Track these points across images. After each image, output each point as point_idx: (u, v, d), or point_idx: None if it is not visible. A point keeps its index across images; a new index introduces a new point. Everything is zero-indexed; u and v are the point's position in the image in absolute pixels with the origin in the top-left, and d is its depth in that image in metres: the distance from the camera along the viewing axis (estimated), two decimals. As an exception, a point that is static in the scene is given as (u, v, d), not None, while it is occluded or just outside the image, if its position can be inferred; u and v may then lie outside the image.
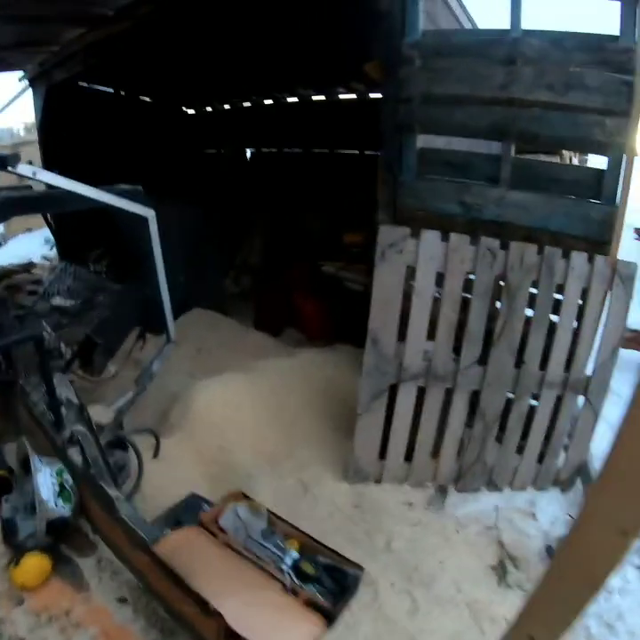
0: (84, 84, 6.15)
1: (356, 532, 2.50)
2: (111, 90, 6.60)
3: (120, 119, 6.38)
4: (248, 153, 7.53)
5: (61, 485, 1.75)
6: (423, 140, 3.03)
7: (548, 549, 2.44)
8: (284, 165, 6.93)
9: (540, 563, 2.38)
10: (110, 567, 1.79)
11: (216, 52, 4.99)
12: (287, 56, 4.71)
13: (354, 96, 5.79)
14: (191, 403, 2.99)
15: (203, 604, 1.31)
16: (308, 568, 1.88)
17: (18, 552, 1.64)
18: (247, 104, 7.08)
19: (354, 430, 3.11)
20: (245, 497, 2.04)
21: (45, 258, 7.01)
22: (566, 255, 2.58)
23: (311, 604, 1.76)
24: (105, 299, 2.85)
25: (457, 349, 2.59)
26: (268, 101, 6.76)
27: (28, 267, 6.46)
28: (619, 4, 2.51)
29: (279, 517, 2.00)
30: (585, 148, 2.82)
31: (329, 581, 1.93)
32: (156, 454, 2.72)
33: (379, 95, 5.35)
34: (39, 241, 7.75)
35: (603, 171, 2.71)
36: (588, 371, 2.75)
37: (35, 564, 1.60)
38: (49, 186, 1.87)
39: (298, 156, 6.87)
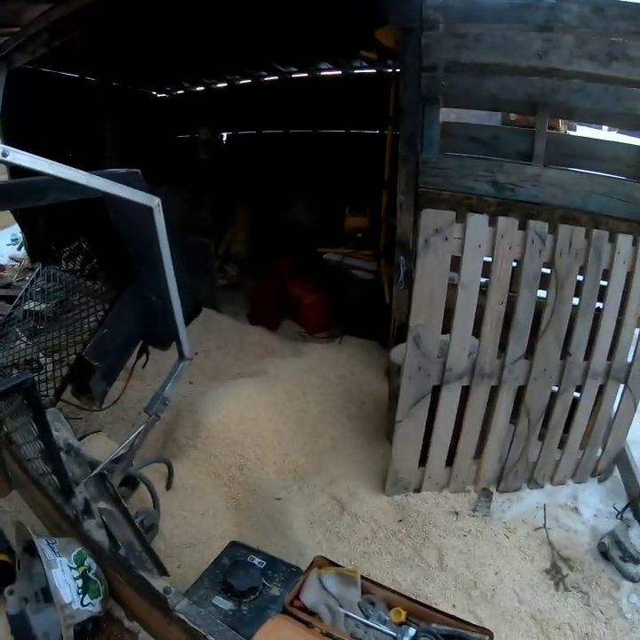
0: (47, 70, 5.55)
1: (405, 551, 2.30)
2: (76, 75, 6.04)
3: (87, 106, 5.89)
4: (224, 136, 7.10)
5: (84, 576, 1.40)
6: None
7: (600, 546, 2.33)
8: (264, 148, 6.55)
9: (594, 562, 2.28)
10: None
11: (187, 28, 4.55)
12: (265, 25, 4.30)
13: (338, 72, 5.46)
14: (202, 418, 2.66)
15: None
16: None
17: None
18: (222, 85, 6.66)
19: (385, 436, 2.91)
20: (331, 563, 1.65)
21: (13, 259, 6.39)
22: (612, 238, 2.40)
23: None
24: (99, 308, 2.44)
25: (502, 343, 2.39)
26: (245, 81, 6.35)
27: (-5, 269, 5.84)
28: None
29: (370, 580, 1.59)
30: (628, 123, 2.63)
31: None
32: (168, 486, 2.40)
33: (368, 70, 5.13)
34: (4, 240, 7.06)
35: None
36: (629, 358, 2.62)
37: None
38: (22, 172, 1.38)
39: (279, 138, 6.50)
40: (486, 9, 2.62)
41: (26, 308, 3.08)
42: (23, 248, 6.33)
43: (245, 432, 2.66)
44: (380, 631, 1.39)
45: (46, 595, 1.44)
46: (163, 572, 1.69)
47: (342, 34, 4.05)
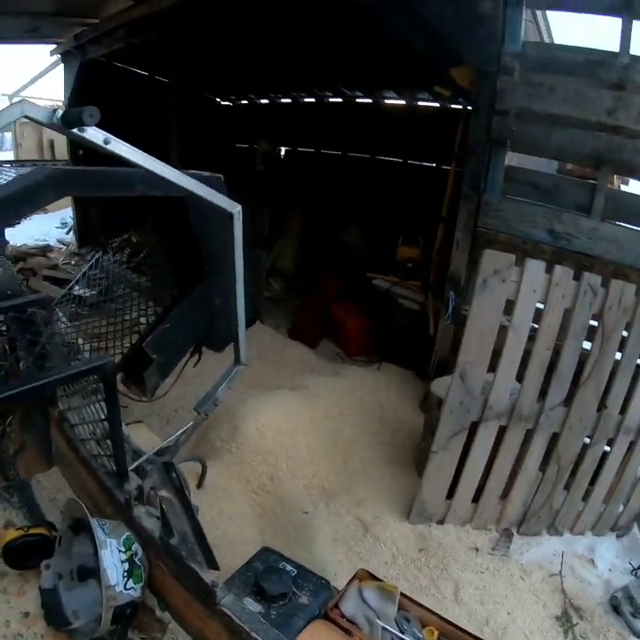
0: (120, 64, 5.71)
1: (422, 580, 2.34)
2: (147, 73, 6.21)
3: (154, 105, 6.08)
4: (282, 151, 7.22)
5: (130, 561, 1.42)
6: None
7: (613, 600, 2.34)
8: (322, 167, 6.64)
9: (604, 614, 2.29)
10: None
11: (265, 42, 4.69)
12: (343, 52, 4.42)
13: (402, 102, 5.57)
14: (240, 423, 2.72)
15: None
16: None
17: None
18: (286, 100, 6.80)
19: (414, 465, 2.95)
20: (372, 577, 1.69)
21: (61, 242, 6.58)
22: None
23: None
24: (147, 302, 2.50)
25: (543, 389, 2.42)
26: (309, 99, 6.49)
27: (45, 250, 6.02)
28: None
29: (408, 597, 1.64)
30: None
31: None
32: (200, 484, 2.45)
33: (432, 103, 5.21)
34: (54, 222, 7.26)
35: None
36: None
37: None
38: (114, 160, 1.40)
39: (338, 159, 6.60)
40: (562, 61, 2.69)
41: (75, 292, 3.16)
42: (72, 233, 6.49)
43: (281, 443, 2.71)
44: (415, 646, 1.43)
45: (81, 574, 1.47)
46: (213, 566, 1.73)
47: (417, 67, 4.13)
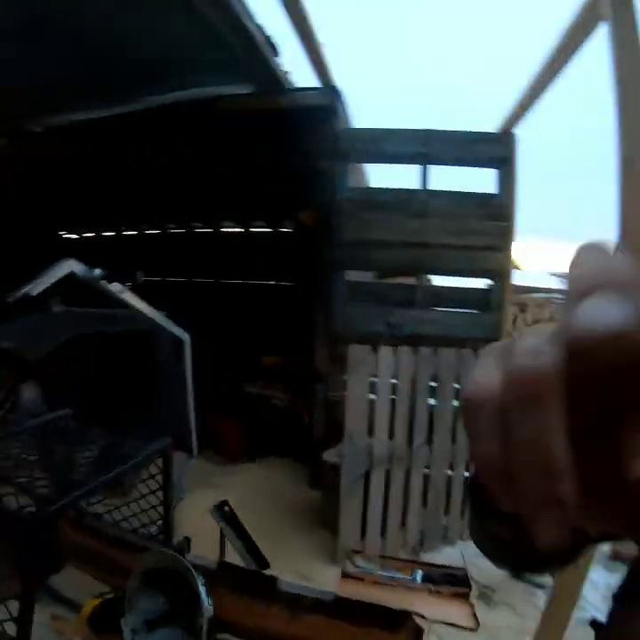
0: None
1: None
2: None
3: None
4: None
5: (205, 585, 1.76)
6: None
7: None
8: (194, 294, 6.87)
9: (509, 582, 3.03)
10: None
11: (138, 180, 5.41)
12: (217, 191, 5.42)
13: (269, 229, 6.36)
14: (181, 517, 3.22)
15: (393, 615, 1.57)
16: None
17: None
18: (155, 231, 7.19)
19: (322, 525, 3.62)
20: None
21: None
22: (475, 353, 3.49)
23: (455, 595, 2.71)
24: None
25: (410, 437, 3.30)
26: (179, 230, 7.01)
27: None
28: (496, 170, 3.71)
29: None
30: (476, 274, 3.88)
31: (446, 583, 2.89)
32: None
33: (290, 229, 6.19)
34: None
35: (488, 289, 3.78)
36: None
37: None
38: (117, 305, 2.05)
39: (206, 286, 6.98)
40: (379, 200, 3.85)
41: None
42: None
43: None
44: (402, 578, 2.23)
45: (149, 626, 1.77)
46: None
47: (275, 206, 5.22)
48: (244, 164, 4.65)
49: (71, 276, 1.80)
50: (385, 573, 2.40)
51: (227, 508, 2.37)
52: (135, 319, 2.19)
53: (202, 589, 1.69)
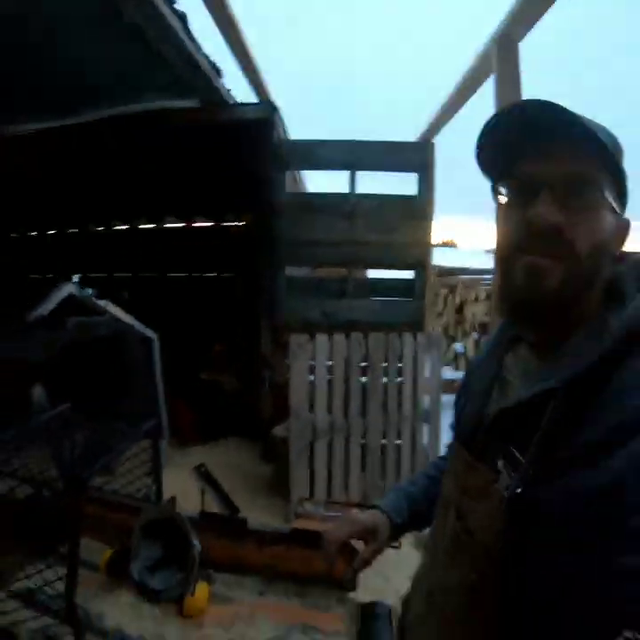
0: None
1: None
2: None
3: None
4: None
5: None
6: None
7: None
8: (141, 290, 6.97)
9: None
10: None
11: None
12: (158, 186, 5.71)
13: (211, 224, 6.65)
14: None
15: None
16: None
17: (184, 590, 2.01)
18: (100, 228, 7.33)
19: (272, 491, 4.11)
20: None
21: None
22: (400, 336, 4.05)
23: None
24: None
25: (346, 410, 3.82)
26: (123, 227, 7.18)
27: None
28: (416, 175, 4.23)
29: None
30: (400, 267, 4.43)
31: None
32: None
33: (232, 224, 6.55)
34: None
35: (412, 279, 4.34)
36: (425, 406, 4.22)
37: (205, 589, 2.04)
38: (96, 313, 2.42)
39: (155, 280, 7.12)
40: (314, 204, 4.30)
41: None
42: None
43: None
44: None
45: (150, 569, 2.13)
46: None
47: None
48: (189, 169, 4.98)
49: (71, 296, 2.16)
50: (331, 513, 2.88)
51: (203, 469, 2.83)
52: (113, 324, 2.59)
53: (192, 532, 2.15)
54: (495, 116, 0.73)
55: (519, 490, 0.67)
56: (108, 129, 4.26)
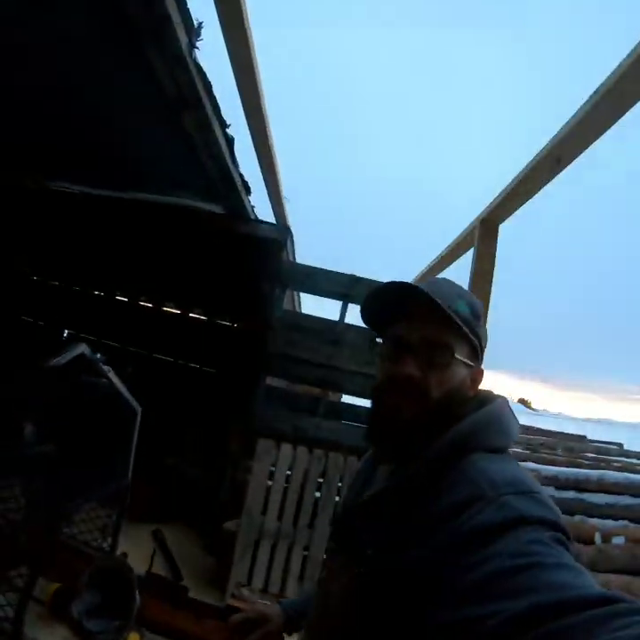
0: None
1: None
2: None
3: None
4: None
5: None
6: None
7: None
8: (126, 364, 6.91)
9: None
10: None
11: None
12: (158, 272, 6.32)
13: (205, 318, 6.76)
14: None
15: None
16: None
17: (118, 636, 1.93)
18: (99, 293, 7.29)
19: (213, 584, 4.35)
20: None
21: None
22: (359, 459, 4.49)
23: None
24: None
25: (296, 519, 4.19)
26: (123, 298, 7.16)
27: None
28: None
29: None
30: (367, 396, 4.94)
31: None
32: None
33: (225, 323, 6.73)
34: None
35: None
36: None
37: (136, 638, 2.14)
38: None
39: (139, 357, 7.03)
40: (304, 325, 4.94)
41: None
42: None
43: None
44: None
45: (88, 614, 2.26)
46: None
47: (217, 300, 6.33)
48: (200, 265, 5.68)
49: (82, 355, 2.55)
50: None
51: (160, 535, 3.18)
52: (110, 389, 2.99)
53: (136, 587, 2.45)
54: (376, 289, 0.94)
55: (363, 568, 0.83)
56: (139, 209, 4.90)
